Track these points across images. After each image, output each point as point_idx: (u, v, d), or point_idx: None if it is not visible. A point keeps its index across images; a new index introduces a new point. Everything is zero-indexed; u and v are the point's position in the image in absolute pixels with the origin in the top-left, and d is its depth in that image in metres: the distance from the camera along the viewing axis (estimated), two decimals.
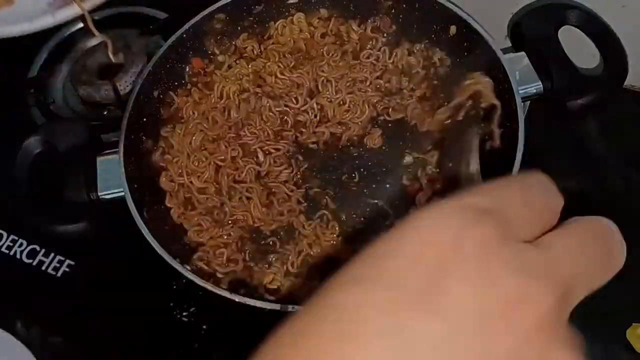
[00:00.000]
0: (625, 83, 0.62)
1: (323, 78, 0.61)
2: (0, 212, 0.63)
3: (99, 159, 0.54)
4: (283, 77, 0.62)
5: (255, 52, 0.64)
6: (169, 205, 0.57)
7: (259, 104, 0.61)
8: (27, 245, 0.64)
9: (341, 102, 0.61)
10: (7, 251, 0.63)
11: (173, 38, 0.60)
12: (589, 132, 0.69)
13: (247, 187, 0.57)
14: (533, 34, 0.56)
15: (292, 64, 0.63)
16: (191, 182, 0.57)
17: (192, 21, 0.61)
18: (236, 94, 0.62)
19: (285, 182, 0.58)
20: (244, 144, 0.59)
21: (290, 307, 0.46)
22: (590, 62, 0.64)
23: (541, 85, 0.54)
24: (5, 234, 0.64)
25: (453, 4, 0.59)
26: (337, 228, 0.55)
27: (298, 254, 0.54)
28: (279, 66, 0.62)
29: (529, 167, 0.65)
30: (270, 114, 0.61)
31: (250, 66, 0.63)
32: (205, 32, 0.62)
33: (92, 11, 0.79)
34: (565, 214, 0.68)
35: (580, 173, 0.67)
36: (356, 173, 0.58)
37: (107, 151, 0.55)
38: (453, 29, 0.59)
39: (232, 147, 0.59)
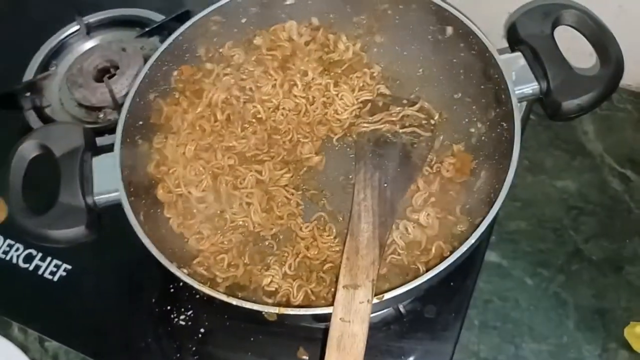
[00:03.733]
0: (622, 82, 0.62)
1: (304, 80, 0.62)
2: None
3: (95, 161, 0.54)
4: (268, 78, 0.62)
5: (241, 60, 0.64)
6: (167, 215, 0.57)
7: (243, 108, 0.62)
8: (24, 250, 0.64)
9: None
10: (3, 256, 0.64)
11: (169, 40, 0.60)
12: (586, 132, 0.70)
13: (247, 192, 0.57)
14: (529, 34, 0.56)
15: (275, 64, 0.63)
16: (189, 192, 0.57)
17: (189, 23, 0.61)
18: (223, 102, 0.62)
19: (285, 186, 0.58)
20: (239, 152, 0.60)
21: (289, 311, 0.46)
22: (586, 62, 0.64)
23: (537, 86, 0.54)
24: (1, 238, 0.64)
25: (449, 5, 0.59)
26: (334, 230, 0.56)
27: (295, 256, 0.54)
28: (264, 72, 0.63)
29: (526, 167, 0.66)
30: (253, 120, 0.61)
31: (236, 72, 0.63)
32: (201, 35, 0.62)
33: (88, 15, 0.80)
34: (565, 212, 0.67)
35: (577, 173, 0.68)
36: (352, 174, 0.58)
37: (104, 154, 0.55)
38: (449, 30, 0.59)
39: (228, 155, 0.59)
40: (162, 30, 0.76)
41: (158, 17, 0.79)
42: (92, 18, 0.80)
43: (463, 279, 0.60)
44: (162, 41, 0.64)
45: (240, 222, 0.56)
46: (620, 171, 0.68)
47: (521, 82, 0.54)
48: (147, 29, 0.77)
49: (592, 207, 0.66)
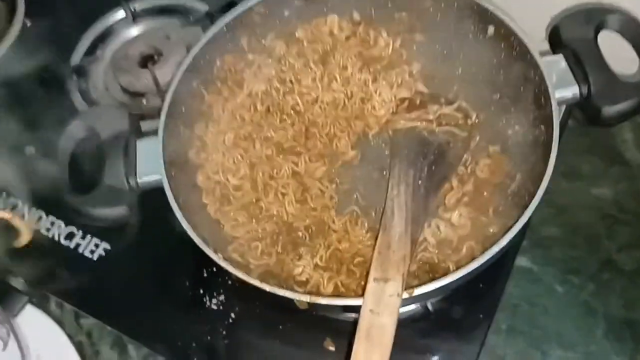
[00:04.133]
0: None
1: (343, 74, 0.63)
2: (42, 195, 0.66)
3: (139, 143, 0.56)
4: (308, 71, 0.63)
5: (282, 52, 0.65)
6: (205, 201, 0.58)
7: (283, 99, 0.63)
8: (66, 227, 0.66)
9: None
10: (46, 232, 0.66)
11: (213, 30, 0.62)
12: (625, 140, 0.70)
13: (283, 183, 0.59)
14: (571, 37, 0.56)
15: (316, 58, 0.64)
16: (227, 179, 0.59)
17: (233, 14, 0.63)
18: (263, 93, 0.63)
19: (320, 178, 0.59)
20: (277, 142, 0.61)
21: (321, 300, 0.47)
22: (629, 68, 0.63)
23: (578, 90, 0.54)
24: (44, 215, 0.67)
25: (492, 5, 0.59)
26: (366, 224, 0.56)
27: (327, 248, 0.55)
28: (305, 65, 0.64)
29: (562, 172, 0.65)
30: (291, 112, 0.62)
31: (277, 63, 0.64)
32: (244, 26, 0.64)
33: (134, 1, 0.82)
34: (600, 220, 0.66)
35: (614, 181, 0.67)
36: (386, 170, 0.58)
37: (147, 137, 0.56)
38: (491, 30, 0.59)
39: (266, 145, 0.60)
40: (206, 20, 0.77)
41: (202, 6, 0.80)
42: (138, 5, 0.82)
43: (492, 282, 0.60)
44: (205, 30, 0.66)
45: (275, 212, 0.57)
46: None
47: (561, 85, 0.54)
48: (191, 18, 0.79)
49: (628, 216, 0.65)
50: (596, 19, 0.57)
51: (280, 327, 0.58)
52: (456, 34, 0.62)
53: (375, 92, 0.62)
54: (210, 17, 0.77)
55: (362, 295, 0.46)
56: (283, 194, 0.58)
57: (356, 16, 0.65)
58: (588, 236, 0.64)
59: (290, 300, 0.48)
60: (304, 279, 0.54)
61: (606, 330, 0.59)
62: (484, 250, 0.49)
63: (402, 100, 0.62)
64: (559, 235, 0.65)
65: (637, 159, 0.69)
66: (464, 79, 0.63)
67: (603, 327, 0.60)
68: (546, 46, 0.60)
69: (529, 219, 0.50)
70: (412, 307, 0.57)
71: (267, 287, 0.47)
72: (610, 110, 0.54)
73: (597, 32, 0.57)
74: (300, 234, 0.57)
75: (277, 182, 0.59)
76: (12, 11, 0.84)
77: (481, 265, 0.48)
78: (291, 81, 0.63)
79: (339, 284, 0.53)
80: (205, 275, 0.61)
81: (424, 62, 0.64)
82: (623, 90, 0.54)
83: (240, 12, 0.62)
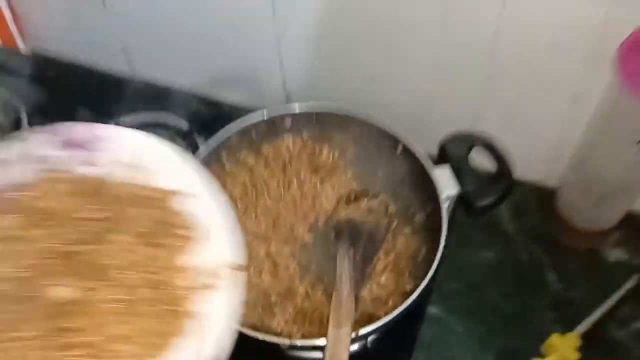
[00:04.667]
0: (529, 178, 0.79)
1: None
2: None
3: None
4: (273, 178, 0.80)
5: (253, 163, 0.81)
6: None
7: (256, 200, 0.78)
8: None
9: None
10: None
11: (203, 152, 0.77)
12: (504, 216, 0.82)
13: (259, 261, 0.70)
14: (453, 152, 0.70)
15: (278, 167, 0.80)
16: None
17: (217, 140, 0.77)
18: (240, 196, 0.78)
19: (286, 256, 0.71)
20: (254, 231, 0.73)
21: (298, 342, 0.61)
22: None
23: (457, 190, 0.68)
24: None
25: (398, 132, 0.73)
26: (321, 288, 0.68)
27: (294, 307, 0.67)
28: (270, 173, 0.80)
29: (458, 242, 0.79)
30: (263, 209, 0.78)
31: (250, 173, 0.77)
32: (223, 146, 0.79)
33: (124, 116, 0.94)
34: (487, 276, 0.81)
35: (496, 247, 0.79)
36: (333, 248, 0.70)
37: None
38: (400, 148, 0.74)
39: (245, 234, 0.70)
40: (188, 135, 0.91)
41: (183, 124, 0.93)
42: (128, 120, 0.94)
43: (411, 326, 0.71)
44: (188, 145, 0.83)
45: (254, 283, 0.68)
46: (529, 246, 0.79)
47: (447, 187, 0.68)
48: (173, 133, 0.92)
49: (507, 273, 0.77)
50: (469, 140, 0.71)
51: None
52: (376, 148, 0.75)
53: (322, 191, 0.75)
54: (190, 134, 0.91)
55: (325, 337, 0.58)
56: (260, 270, 0.70)
57: (305, 136, 0.79)
58: (479, 289, 0.75)
59: (270, 347, 0.61)
60: (278, 330, 0.65)
61: (497, 358, 0.70)
62: (403, 303, 0.60)
63: (341, 196, 0.76)
64: (459, 289, 0.75)
65: (512, 230, 0.81)
66: (385, 180, 0.76)
67: (495, 356, 0.70)
68: (435, 157, 0.72)
69: (436, 277, 0.61)
70: (356, 345, 0.66)
71: (259, 336, 0.61)
72: (480, 204, 0.68)
73: (470, 148, 0.70)
74: (273, 298, 0.68)
75: (255, 261, 0.70)
76: (16, 127, 0.94)
77: (401, 314, 0.59)
78: (261, 185, 0.76)
79: (304, 332, 0.64)
80: None
81: (356, 168, 0.77)
82: (487, 190, 0.68)
83: (222, 139, 0.78)
